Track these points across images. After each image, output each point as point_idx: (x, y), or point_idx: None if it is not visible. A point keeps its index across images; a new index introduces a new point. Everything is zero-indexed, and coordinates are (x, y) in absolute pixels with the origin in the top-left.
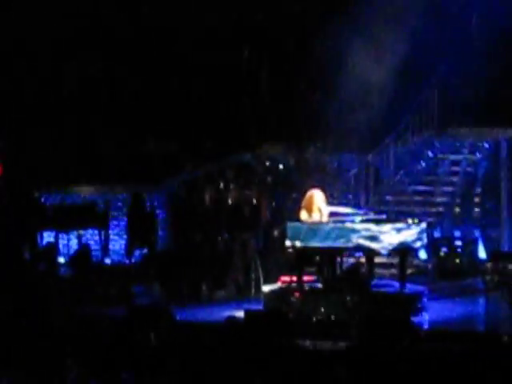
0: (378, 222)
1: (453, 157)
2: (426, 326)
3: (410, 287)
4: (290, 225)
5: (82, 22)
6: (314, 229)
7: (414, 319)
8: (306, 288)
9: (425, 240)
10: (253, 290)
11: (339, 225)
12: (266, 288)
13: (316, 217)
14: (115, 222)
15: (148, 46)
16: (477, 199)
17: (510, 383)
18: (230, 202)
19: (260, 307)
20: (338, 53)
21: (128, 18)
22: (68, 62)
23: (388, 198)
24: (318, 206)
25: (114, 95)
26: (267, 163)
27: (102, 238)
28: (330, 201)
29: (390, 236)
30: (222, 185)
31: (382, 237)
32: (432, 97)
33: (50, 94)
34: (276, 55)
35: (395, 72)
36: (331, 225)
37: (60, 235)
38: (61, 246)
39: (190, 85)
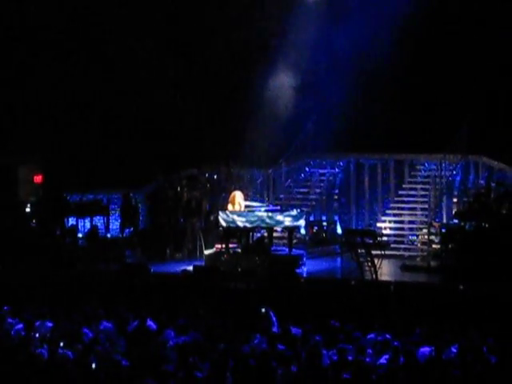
0: (275, 211)
1: (321, 171)
2: (304, 275)
3: (294, 251)
4: (221, 213)
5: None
6: (236, 215)
7: (297, 271)
8: (231, 252)
9: (304, 222)
10: (198, 253)
11: (251, 213)
12: (206, 252)
13: (237, 208)
14: (113, 212)
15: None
16: (335, 197)
17: (356, 311)
18: (184, 199)
19: (203, 264)
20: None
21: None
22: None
23: (281, 196)
24: (238, 201)
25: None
26: (207, 175)
27: (105, 221)
28: (246, 198)
29: (283, 219)
30: (179, 188)
31: (277, 220)
32: (309, 131)
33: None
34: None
35: (287, 115)
36: (246, 213)
37: (79, 220)
38: (80, 227)
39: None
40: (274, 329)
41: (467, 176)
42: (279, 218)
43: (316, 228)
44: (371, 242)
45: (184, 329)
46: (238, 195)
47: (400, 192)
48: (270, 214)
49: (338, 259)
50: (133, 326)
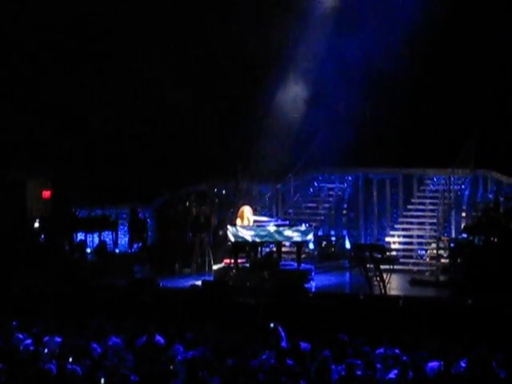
0: (283, 226)
1: (329, 185)
2: (313, 290)
3: (303, 266)
4: (230, 228)
5: None
6: (245, 230)
7: (306, 286)
8: (240, 266)
9: (312, 237)
10: (207, 268)
11: (260, 228)
12: (215, 267)
13: (246, 223)
14: (121, 227)
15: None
16: (344, 212)
17: (365, 326)
18: (192, 214)
19: (211, 279)
20: (257, 120)
21: None
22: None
23: (290, 211)
24: (247, 216)
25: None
26: (215, 190)
27: (114, 236)
28: (254, 213)
29: (291, 234)
30: (187, 203)
31: (286, 235)
32: (318, 145)
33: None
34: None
35: (295, 130)
36: (255, 228)
37: (88, 235)
38: (88, 242)
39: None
40: (283, 344)
41: (476, 190)
42: (288, 232)
43: (325, 243)
44: (380, 256)
45: (193, 344)
46: (246, 210)
47: (409, 206)
48: (278, 228)
49: (347, 274)
50: (141, 341)
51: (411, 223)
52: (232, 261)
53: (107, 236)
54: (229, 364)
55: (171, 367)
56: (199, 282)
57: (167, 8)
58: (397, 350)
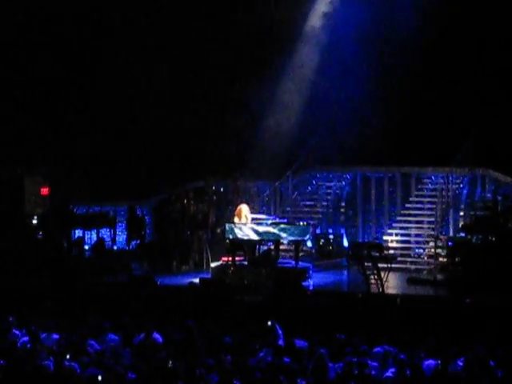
0: (281, 223)
1: (327, 184)
2: (311, 288)
3: (301, 264)
4: (228, 225)
5: None
6: (243, 228)
7: (304, 284)
8: (238, 264)
9: (310, 235)
10: (205, 266)
11: (258, 226)
12: (213, 264)
13: (243, 220)
14: (119, 224)
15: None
16: (342, 210)
17: (362, 324)
18: (190, 211)
19: (209, 276)
20: (255, 118)
21: None
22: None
23: (288, 209)
24: (245, 214)
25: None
26: (213, 187)
27: (112, 233)
28: (252, 211)
29: (289, 232)
30: (185, 201)
31: (284, 233)
32: (314, 146)
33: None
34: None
35: (294, 128)
36: (253, 225)
37: (86, 232)
38: (86, 239)
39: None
40: (280, 342)
41: (474, 189)
42: (285, 231)
43: (323, 241)
44: (378, 255)
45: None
46: (244, 208)
47: (407, 205)
48: (276, 226)
49: (345, 272)
50: (139, 338)
51: (409, 222)
52: (230, 258)
53: (105, 233)
54: (226, 362)
55: (169, 365)
56: (197, 280)
57: None
58: (394, 349)
